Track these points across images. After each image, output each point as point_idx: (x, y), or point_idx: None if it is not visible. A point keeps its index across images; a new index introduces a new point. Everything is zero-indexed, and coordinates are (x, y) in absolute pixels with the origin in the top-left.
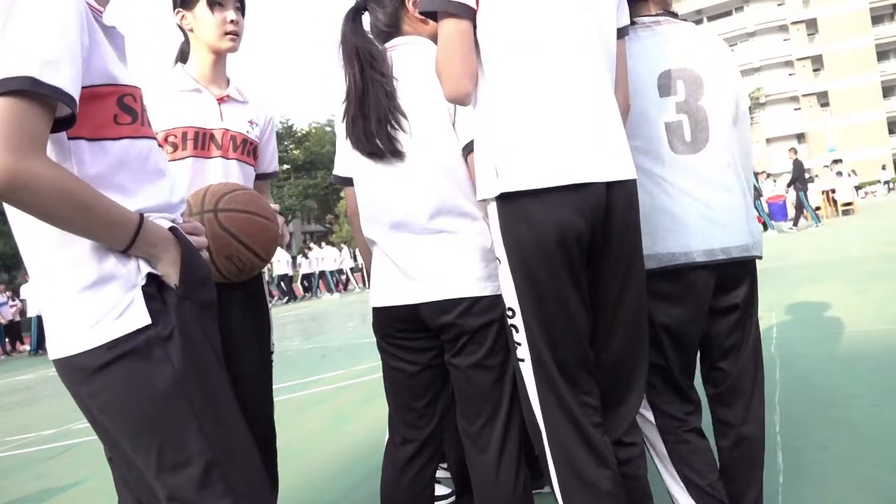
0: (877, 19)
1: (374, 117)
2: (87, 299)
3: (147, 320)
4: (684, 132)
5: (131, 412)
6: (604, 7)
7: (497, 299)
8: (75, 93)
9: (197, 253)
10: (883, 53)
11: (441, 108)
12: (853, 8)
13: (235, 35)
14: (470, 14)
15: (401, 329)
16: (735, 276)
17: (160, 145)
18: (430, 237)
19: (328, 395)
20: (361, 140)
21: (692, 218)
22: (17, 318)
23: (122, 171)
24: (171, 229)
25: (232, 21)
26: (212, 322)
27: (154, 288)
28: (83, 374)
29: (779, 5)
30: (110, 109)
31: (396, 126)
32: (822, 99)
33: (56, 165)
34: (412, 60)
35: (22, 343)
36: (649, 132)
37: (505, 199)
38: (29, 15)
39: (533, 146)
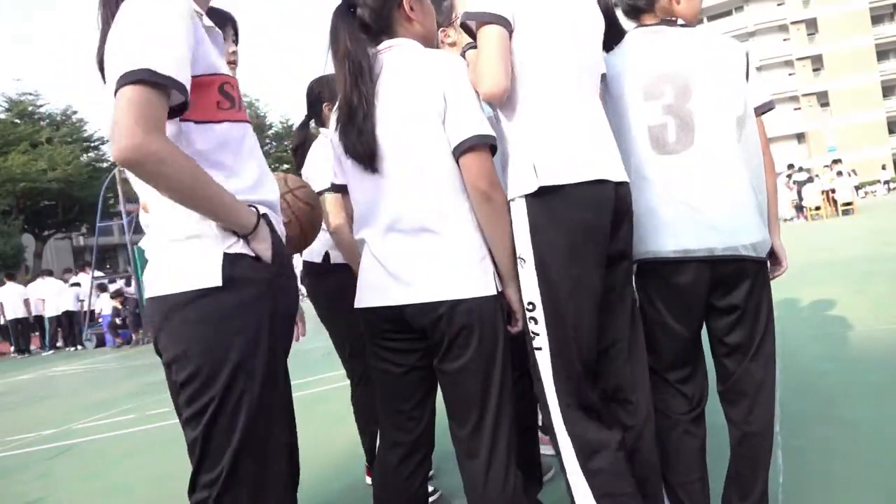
0: (877, 19)
1: (362, 125)
2: (179, 250)
3: (217, 282)
4: (668, 134)
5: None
6: (594, 43)
7: (481, 302)
8: (186, 82)
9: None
10: (883, 53)
11: (430, 111)
12: (853, 8)
13: (234, 64)
14: (508, 24)
15: (386, 330)
16: (731, 275)
17: None
18: (417, 239)
19: (328, 395)
20: (349, 146)
21: (669, 216)
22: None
23: (223, 151)
24: (263, 216)
25: (232, 52)
26: (287, 313)
27: (246, 258)
28: (167, 312)
29: (779, 5)
30: (213, 96)
31: (379, 134)
32: (822, 99)
33: (174, 145)
34: (404, 63)
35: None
36: (629, 135)
37: (537, 196)
38: (149, 20)
39: (568, 147)
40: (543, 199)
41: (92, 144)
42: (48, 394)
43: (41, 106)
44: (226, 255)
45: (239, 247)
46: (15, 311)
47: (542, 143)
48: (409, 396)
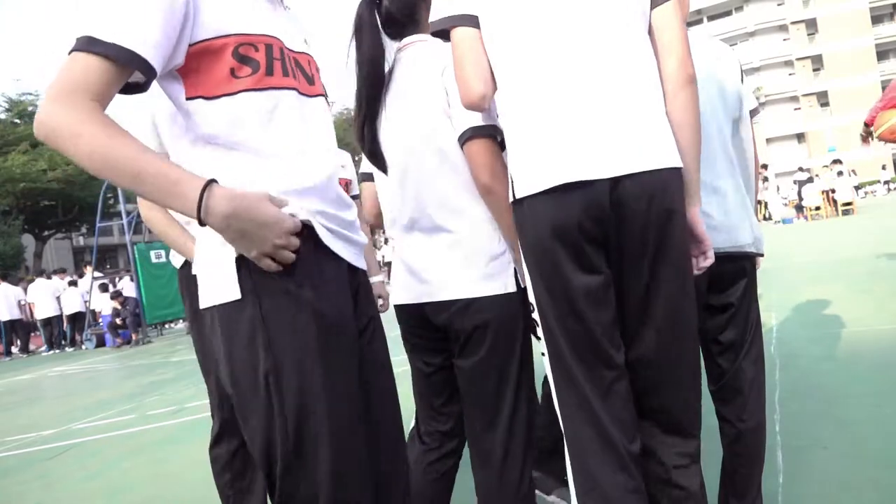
0: (877, 19)
1: (367, 128)
2: (210, 262)
3: (236, 295)
4: None
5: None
6: None
7: (495, 300)
8: (147, 49)
9: (327, 253)
10: (883, 53)
11: (436, 108)
12: (853, 8)
13: None
14: (474, 22)
15: (413, 326)
16: (730, 273)
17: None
18: (433, 238)
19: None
20: (361, 147)
21: None
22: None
23: (242, 128)
24: (305, 225)
25: None
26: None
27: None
28: (206, 322)
29: (779, 5)
30: (226, 63)
31: (389, 134)
32: (822, 99)
33: (91, 116)
34: (414, 62)
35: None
36: None
37: (516, 204)
38: None
39: (533, 151)
40: (519, 205)
41: None
42: (48, 394)
43: None
44: (237, 259)
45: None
46: (10, 313)
47: (514, 147)
48: (440, 393)
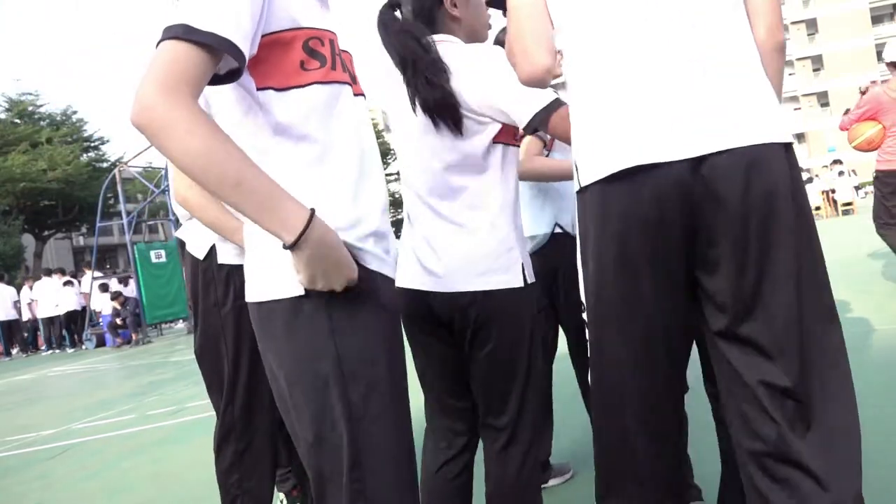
0: (877, 19)
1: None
2: (273, 255)
3: (300, 290)
4: None
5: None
6: None
7: (501, 295)
8: (240, 39)
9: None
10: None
11: (472, 103)
12: (853, 8)
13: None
14: None
15: (414, 315)
16: None
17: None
18: (443, 228)
19: None
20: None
21: None
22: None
23: (310, 120)
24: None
25: None
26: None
27: None
28: (257, 318)
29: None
30: (296, 55)
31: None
32: (822, 99)
33: (201, 115)
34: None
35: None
36: None
37: (581, 193)
38: None
39: (607, 128)
40: (583, 198)
41: (92, 144)
42: (48, 394)
43: (41, 106)
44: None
45: None
46: (6, 313)
47: (581, 126)
48: (449, 389)
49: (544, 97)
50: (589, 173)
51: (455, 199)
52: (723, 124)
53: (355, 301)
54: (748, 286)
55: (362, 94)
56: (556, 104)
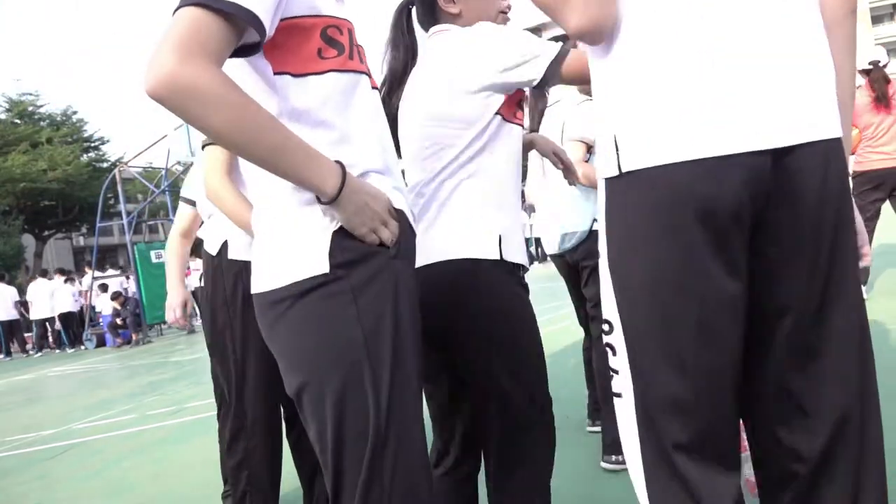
0: (877, 19)
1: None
2: (288, 237)
3: (324, 269)
4: None
5: (305, 354)
6: None
7: (467, 264)
8: (262, 13)
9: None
10: None
11: (466, 85)
12: None
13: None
14: None
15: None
16: None
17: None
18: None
19: None
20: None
21: None
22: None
23: (328, 107)
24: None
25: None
26: (412, 292)
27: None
28: (269, 310)
29: None
30: (314, 42)
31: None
32: None
33: (227, 79)
34: (444, 45)
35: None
36: None
37: (626, 176)
38: None
39: (670, 111)
40: (630, 183)
41: (92, 144)
42: (48, 394)
43: (41, 106)
44: (334, 233)
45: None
46: (7, 313)
47: (635, 104)
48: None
49: (548, 49)
50: (643, 155)
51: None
52: (802, 116)
53: (378, 281)
54: (815, 293)
55: (377, 88)
56: (564, 51)
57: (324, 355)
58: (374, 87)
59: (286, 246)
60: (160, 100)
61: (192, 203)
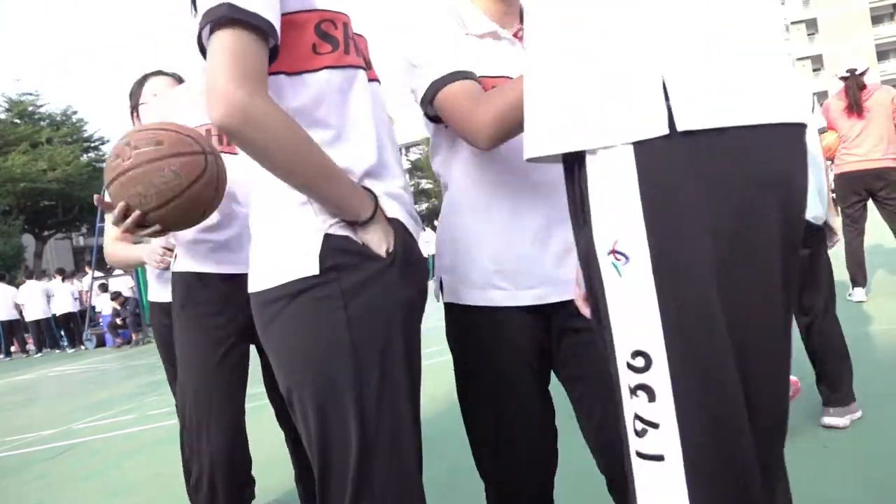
0: (877, 19)
1: None
2: (281, 238)
3: (314, 270)
4: None
5: (294, 356)
6: None
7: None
8: (273, 19)
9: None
10: (883, 53)
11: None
12: (853, 8)
13: None
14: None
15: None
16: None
17: None
18: None
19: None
20: None
21: None
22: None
23: (323, 106)
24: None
25: None
26: (411, 312)
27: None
28: (263, 309)
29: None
30: (309, 38)
31: None
32: (822, 99)
33: (281, 108)
34: None
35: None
36: None
37: (667, 143)
38: None
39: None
40: (678, 147)
41: (92, 144)
42: (48, 394)
43: (41, 106)
44: (326, 235)
45: (341, 227)
46: (8, 313)
47: (684, 44)
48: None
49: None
50: (701, 115)
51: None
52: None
53: (369, 285)
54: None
55: (377, 80)
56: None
57: (310, 359)
58: (371, 80)
59: (280, 246)
60: (229, 130)
61: None
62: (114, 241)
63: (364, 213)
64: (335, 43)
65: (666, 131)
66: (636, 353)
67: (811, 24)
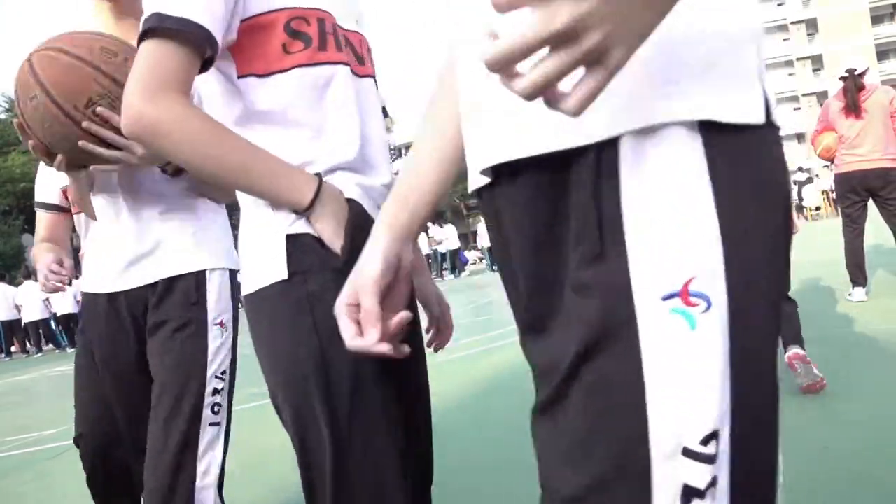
0: (877, 19)
1: None
2: (254, 241)
3: (283, 275)
4: None
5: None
6: None
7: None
8: (208, 22)
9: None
10: (883, 53)
11: None
12: (853, 8)
13: None
14: None
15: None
16: None
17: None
18: None
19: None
20: None
21: None
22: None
23: (298, 105)
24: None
25: None
26: None
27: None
28: (248, 313)
29: (779, 5)
30: (278, 38)
31: None
32: (822, 98)
33: (190, 111)
34: None
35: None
36: None
37: (755, 135)
38: None
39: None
40: (767, 139)
41: None
42: (48, 394)
43: None
44: (288, 236)
45: (301, 224)
46: (9, 313)
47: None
48: None
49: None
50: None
51: None
52: None
53: (337, 286)
54: None
55: (371, 76)
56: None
57: (284, 362)
58: (363, 76)
59: (253, 250)
60: (135, 139)
61: (49, 207)
62: (38, 242)
63: (304, 197)
64: (307, 40)
65: (759, 119)
66: (709, 438)
67: (811, 24)
